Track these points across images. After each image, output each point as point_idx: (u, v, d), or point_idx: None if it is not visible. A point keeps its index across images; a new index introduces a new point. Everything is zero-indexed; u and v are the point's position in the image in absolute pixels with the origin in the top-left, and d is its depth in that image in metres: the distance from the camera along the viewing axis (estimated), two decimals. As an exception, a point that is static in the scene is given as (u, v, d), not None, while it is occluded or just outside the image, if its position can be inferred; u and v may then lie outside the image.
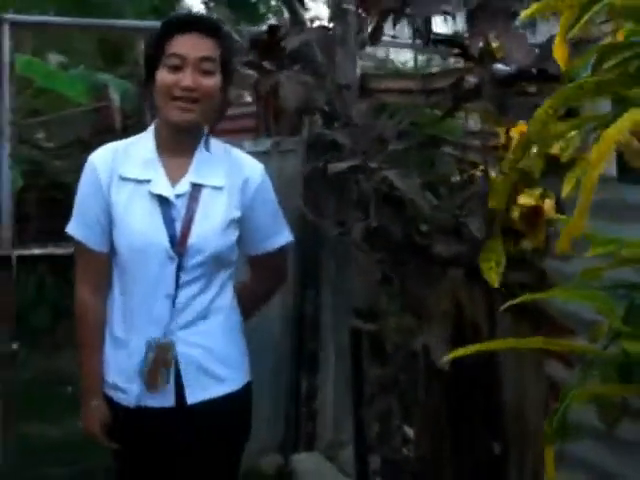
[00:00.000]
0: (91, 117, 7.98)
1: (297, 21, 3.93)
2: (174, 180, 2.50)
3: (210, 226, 2.48)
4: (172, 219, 2.46)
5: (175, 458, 2.55)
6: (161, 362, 2.48)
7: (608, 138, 1.37)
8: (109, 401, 2.56)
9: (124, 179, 2.50)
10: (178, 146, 2.53)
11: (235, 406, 2.58)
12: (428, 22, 2.77)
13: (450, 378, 2.96)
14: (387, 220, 2.62)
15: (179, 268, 2.46)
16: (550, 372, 2.70)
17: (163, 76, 2.43)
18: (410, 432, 3.53)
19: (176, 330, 2.48)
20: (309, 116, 3.79)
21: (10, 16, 6.95)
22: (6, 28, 6.87)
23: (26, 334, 7.07)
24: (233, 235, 2.54)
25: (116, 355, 2.54)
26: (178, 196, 2.48)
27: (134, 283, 2.50)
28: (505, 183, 1.59)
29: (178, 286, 2.47)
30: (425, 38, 2.79)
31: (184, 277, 2.47)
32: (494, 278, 1.74)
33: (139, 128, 2.64)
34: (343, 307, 4.01)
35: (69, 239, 2.59)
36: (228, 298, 2.58)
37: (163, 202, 2.48)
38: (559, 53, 1.52)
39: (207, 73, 2.43)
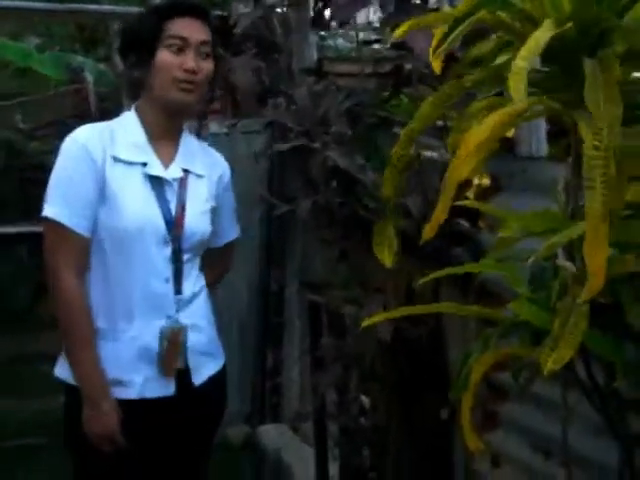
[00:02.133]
0: (67, 99, 8.06)
1: (260, 5, 4.04)
2: (165, 164, 2.50)
3: (198, 211, 2.52)
4: (166, 202, 2.45)
5: (171, 444, 2.54)
6: (175, 346, 2.45)
7: (469, 142, 1.52)
8: None
9: (116, 160, 2.43)
10: (167, 130, 2.52)
11: (224, 380, 2.67)
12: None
13: (399, 349, 3.10)
14: (334, 197, 2.75)
15: (175, 251, 2.46)
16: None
17: (165, 57, 2.41)
18: (366, 402, 3.68)
19: (175, 313, 2.47)
20: (273, 99, 3.91)
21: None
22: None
23: (4, 312, 7.18)
24: (211, 223, 2.58)
25: (107, 347, 2.43)
26: (173, 179, 2.49)
27: (128, 268, 2.43)
28: (393, 173, 1.73)
29: (176, 269, 2.47)
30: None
31: (180, 260, 2.48)
32: (388, 260, 1.87)
33: (115, 111, 2.66)
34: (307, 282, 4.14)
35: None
36: (203, 280, 2.62)
37: (156, 185, 2.45)
38: (435, 65, 1.68)
39: (206, 56, 2.46)
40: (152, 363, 2.44)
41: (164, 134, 2.52)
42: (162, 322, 2.45)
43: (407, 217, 2.84)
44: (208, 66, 2.46)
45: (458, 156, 1.53)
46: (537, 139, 2.55)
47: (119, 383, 2.43)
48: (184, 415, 2.51)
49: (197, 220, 2.51)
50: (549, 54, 1.48)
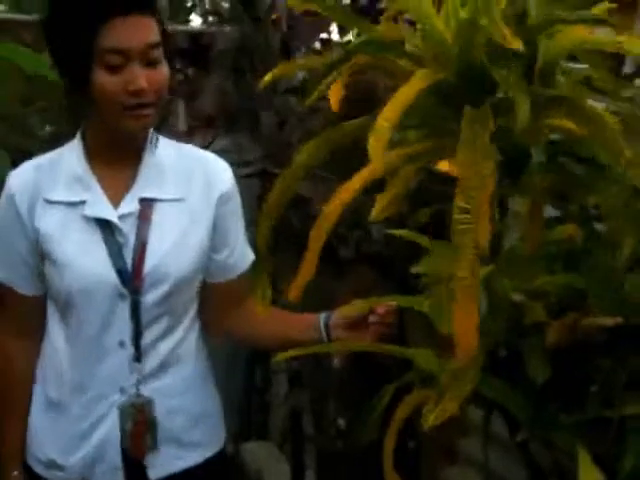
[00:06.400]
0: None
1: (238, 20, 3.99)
2: (116, 198, 2.01)
3: (170, 249, 2.02)
4: (119, 247, 1.98)
5: None
6: (144, 425, 2.04)
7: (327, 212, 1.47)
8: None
9: (50, 202, 1.99)
10: (119, 155, 2.03)
11: (208, 474, 2.20)
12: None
13: (366, 374, 3.06)
14: (293, 220, 2.70)
15: (134, 307, 2.00)
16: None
17: (103, 80, 1.85)
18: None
19: (134, 387, 2.04)
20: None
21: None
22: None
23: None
24: (200, 256, 2.09)
25: (51, 422, 2.10)
26: (123, 217, 2.00)
27: (77, 332, 2.03)
28: (266, 225, 1.66)
29: (136, 330, 2.02)
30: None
31: (143, 318, 2.01)
32: (261, 310, 1.83)
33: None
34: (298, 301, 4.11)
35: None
36: (194, 340, 2.16)
37: (104, 227, 1.98)
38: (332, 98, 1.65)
39: (155, 63, 1.89)
40: (98, 445, 2.06)
41: (115, 160, 2.03)
42: (116, 397, 2.04)
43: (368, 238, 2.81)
44: (161, 74, 1.92)
45: (320, 221, 1.48)
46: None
47: (56, 467, 2.09)
48: None
49: (168, 261, 2.01)
50: (437, 98, 1.43)
